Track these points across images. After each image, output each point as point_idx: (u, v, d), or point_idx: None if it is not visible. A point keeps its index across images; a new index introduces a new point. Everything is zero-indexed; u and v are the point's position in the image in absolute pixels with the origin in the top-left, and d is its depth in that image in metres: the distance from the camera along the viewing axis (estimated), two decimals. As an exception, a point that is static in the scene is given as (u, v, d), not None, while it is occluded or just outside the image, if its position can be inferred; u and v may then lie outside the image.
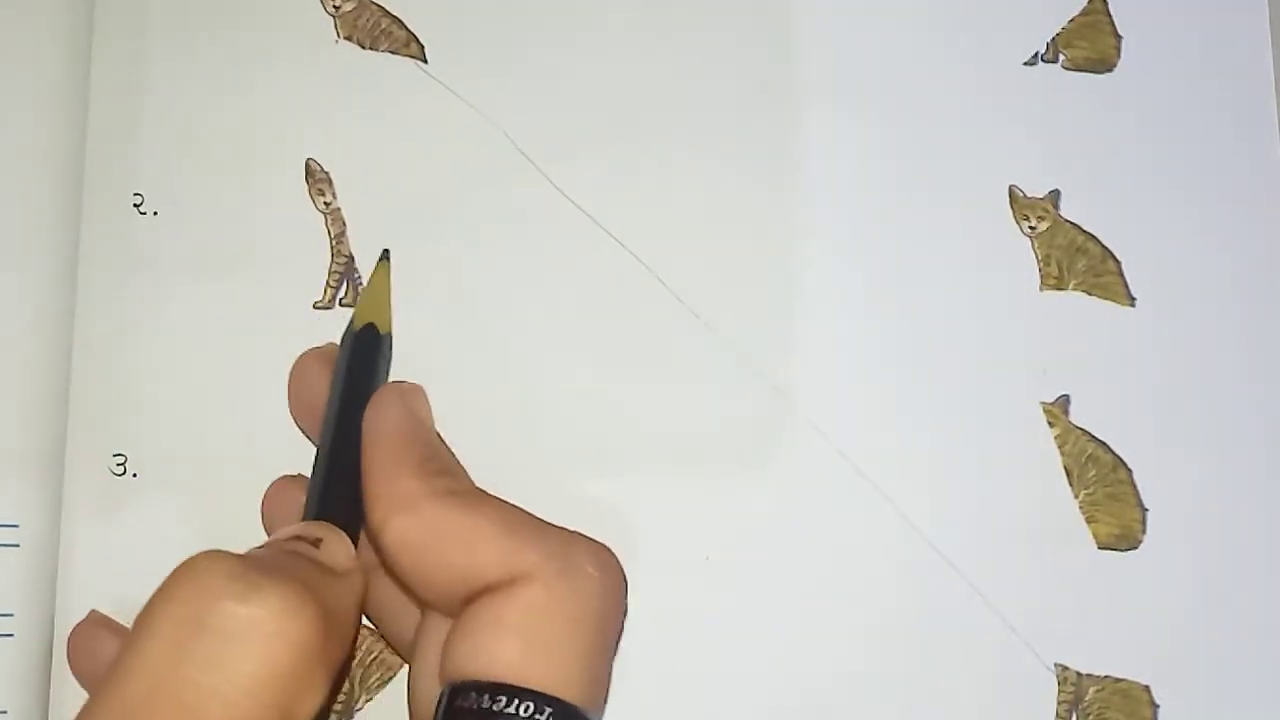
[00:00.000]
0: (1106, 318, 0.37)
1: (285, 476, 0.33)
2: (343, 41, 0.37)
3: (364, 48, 0.37)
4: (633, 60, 0.37)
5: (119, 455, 0.34)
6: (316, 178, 0.36)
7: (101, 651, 0.31)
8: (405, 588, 0.27)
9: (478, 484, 0.29)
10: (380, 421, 0.29)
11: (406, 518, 0.26)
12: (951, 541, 0.35)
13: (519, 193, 0.36)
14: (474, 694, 0.23)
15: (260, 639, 0.22)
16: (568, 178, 0.37)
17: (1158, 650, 0.35)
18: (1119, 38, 0.39)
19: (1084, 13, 0.39)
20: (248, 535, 0.30)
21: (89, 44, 0.35)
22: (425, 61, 0.37)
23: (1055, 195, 0.38)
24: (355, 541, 0.28)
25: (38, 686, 0.32)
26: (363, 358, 0.31)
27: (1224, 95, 0.39)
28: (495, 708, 0.23)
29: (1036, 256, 0.37)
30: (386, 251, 0.35)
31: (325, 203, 0.36)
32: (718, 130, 0.37)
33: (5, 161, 0.33)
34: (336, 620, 0.24)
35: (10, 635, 0.32)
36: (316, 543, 0.26)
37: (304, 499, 0.29)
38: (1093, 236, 0.38)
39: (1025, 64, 0.39)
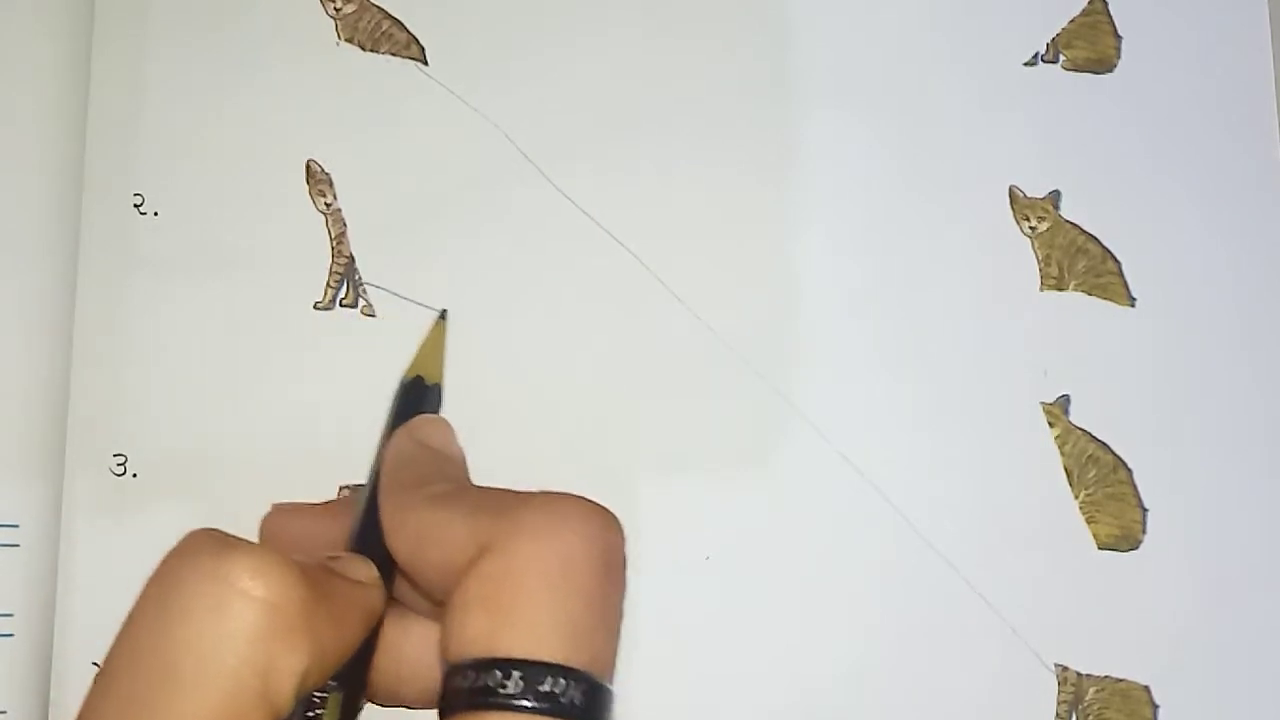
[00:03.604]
0: (1106, 318, 0.37)
1: (277, 506, 0.33)
2: (344, 44, 0.37)
3: (365, 50, 0.37)
4: (633, 60, 0.37)
5: (119, 455, 0.34)
6: (317, 179, 0.36)
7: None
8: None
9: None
10: (387, 459, 0.29)
11: (397, 533, 0.27)
12: (951, 542, 0.35)
13: (519, 193, 0.36)
14: (455, 676, 0.23)
15: (231, 594, 0.22)
16: (568, 178, 0.37)
17: (1158, 650, 0.35)
18: (1119, 38, 0.39)
19: (1084, 13, 0.39)
20: (247, 535, 0.30)
21: (89, 44, 0.35)
22: (426, 63, 0.37)
23: (1055, 195, 0.38)
24: (392, 578, 0.28)
25: (38, 686, 0.32)
26: (408, 406, 0.32)
27: (1224, 95, 0.39)
28: (466, 684, 0.23)
29: (1036, 257, 0.37)
30: (444, 311, 0.35)
31: (326, 203, 0.36)
32: (717, 130, 0.37)
33: (5, 161, 0.33)
34: (328, 601, 0.24)
35: (10, 635, 0.32)
36: (333, 559, 0.26)
37: (303, 527, 0.30)
38: (1093, 237, 0.38)
39: (1025, 64, 0.39)
